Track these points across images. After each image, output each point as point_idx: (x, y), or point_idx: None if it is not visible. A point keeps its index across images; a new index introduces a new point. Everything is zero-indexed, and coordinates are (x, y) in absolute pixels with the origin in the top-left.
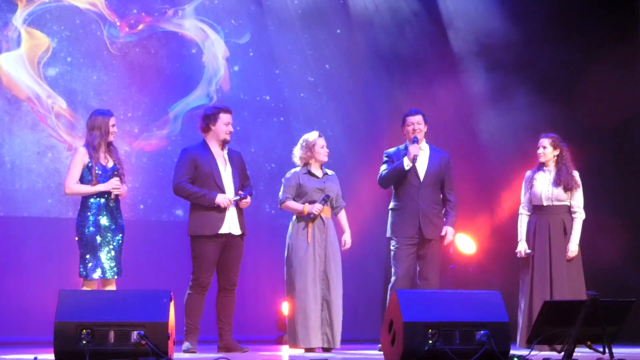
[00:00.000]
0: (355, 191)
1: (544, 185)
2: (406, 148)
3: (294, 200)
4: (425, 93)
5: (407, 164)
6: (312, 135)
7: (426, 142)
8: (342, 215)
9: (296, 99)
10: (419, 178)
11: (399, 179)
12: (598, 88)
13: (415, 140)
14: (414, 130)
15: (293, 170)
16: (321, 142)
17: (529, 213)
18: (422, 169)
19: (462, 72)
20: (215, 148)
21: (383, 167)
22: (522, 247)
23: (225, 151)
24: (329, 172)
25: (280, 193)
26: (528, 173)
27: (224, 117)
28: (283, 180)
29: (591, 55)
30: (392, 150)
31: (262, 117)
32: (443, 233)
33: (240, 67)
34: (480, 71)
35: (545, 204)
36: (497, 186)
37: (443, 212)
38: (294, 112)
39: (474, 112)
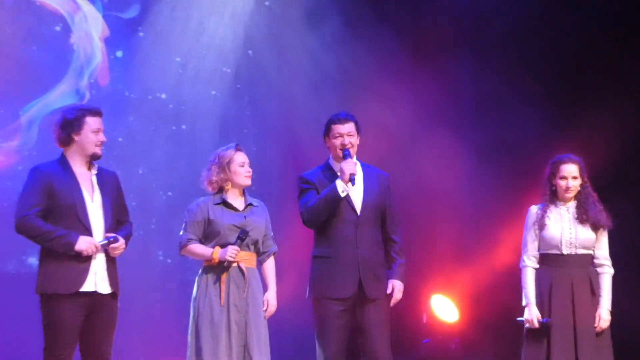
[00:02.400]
0: (293, 229)
1: (563, 225)
2: (327, 169)
3: (200, 242)
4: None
5: (341, 188)
6: (228, 150)
7: (357, 159)
8: (270, 265)
9: (206, 98)
10: (354, 211)
11: (331, 212)
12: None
13: (347, 155)
14: (343, 144)
15: (200, 200)
16: (240, 158)
17: (536, 266)
18: (357, 197)
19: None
20: (79, 167)
21: (304, 197)
22: (534, 314)
23: (94, 172)
24: (255, 202)
25: (181, 233)
26: (534, 209)
27: (92, 123)
28: (186, 213)
29: None
30: (308, 173)
31: (156, 125)
32: (389, 290)
33: (125, 53)
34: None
35: (565, 252)
36: (485, 228)
37: (385, 259)
38: (202, 117)
39: (435, 123)
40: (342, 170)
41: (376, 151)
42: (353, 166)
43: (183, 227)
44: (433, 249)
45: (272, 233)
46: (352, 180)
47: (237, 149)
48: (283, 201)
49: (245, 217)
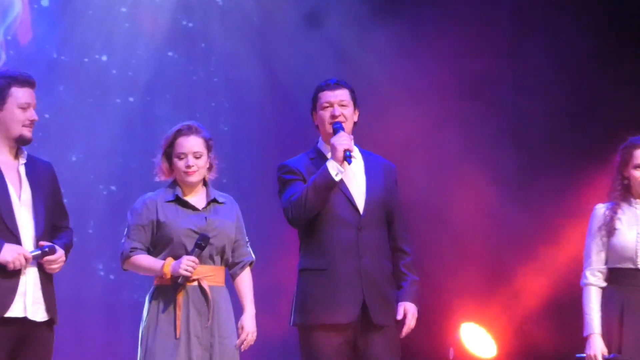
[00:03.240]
0: (282, 232)
1: None
2: (316, 154)
3: (148, 253)
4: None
5: (335, 170)
6: (170, 133)
7: (355, 145)
8: (245, 280)
9: (161, 61)
10: (356, 209)
11: (323, 205)
12: None
13: (338, 128)
14: (333, 115)
15: (147, 196)
16: (181, 146)
17: (603, 284)
18: (358, 190)
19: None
20: (1, 154)
21: (288, 190)
22: (598, 349)
23: (23, 161)
24: (221, 198)
25: (123, 240)
26: (600, 209)
27: (20, 95)
28: (129, 215)
29: None
30: (292, 160)
31: (95, 97)
32: (400, 316)
33: (53, 1)
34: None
35: None
36: (531, 237)
37: (393, 275)
38: (156, 86)
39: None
40: (333, 146)
41: (400, 150)
42: (348, 140)
43: (125, 232)
44: (463, 264)
45: (246, 238)
46: (347, 158)
47: (180, 132)
48: (266, 196)
49: (206, 217)
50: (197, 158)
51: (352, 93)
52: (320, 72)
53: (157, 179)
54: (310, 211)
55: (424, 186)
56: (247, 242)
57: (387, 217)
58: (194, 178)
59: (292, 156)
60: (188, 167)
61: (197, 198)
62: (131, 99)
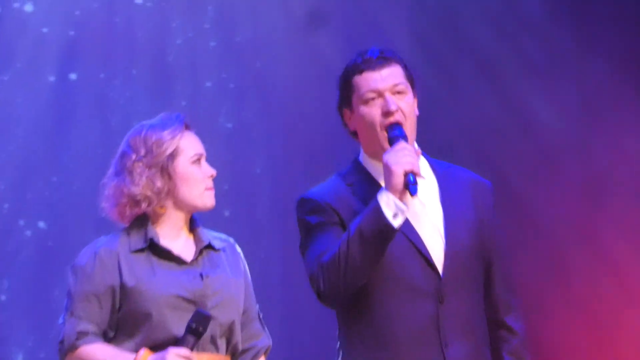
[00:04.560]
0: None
1: None
2: (359, 174)
3: (107, 339)
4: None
5: (391, 207)
6: (166, 130)
7: (422, 153)
8: None
9: (122, 15)
10: (431, 264)
11: (374, 265)
12: None
13: (397, 135)
14: (387, 112)
15: (100, 244)
16: (193, 146)
17: None
18: (433, 233)
19: None
20: None
21: (315, 242)
22: None
23: None
24: (218, 241)
25: (61, 319)
26: None
27: None
28: (70, 275)
29: None
30: (320, 190)
31: (13, 72)
32: None
33: None
34: None
35: None
36: None
37: None
38: (117, 56)
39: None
40: (387, 168)
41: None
42: (413, 155)
43: (65, 306)
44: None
45: (257, 307)
46: (411, 186)
47: (186, 127)
48: (285, 230)
49: (202, 275)
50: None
51: (407, 69)
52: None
53: (105, 215)
54: (353, 279)
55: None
56: (259, 314)
57: (484, 272)
58: (214, 200)
59: (319, 177)
60: (211, 176)
61: (182, 243)
62: (73, 76)
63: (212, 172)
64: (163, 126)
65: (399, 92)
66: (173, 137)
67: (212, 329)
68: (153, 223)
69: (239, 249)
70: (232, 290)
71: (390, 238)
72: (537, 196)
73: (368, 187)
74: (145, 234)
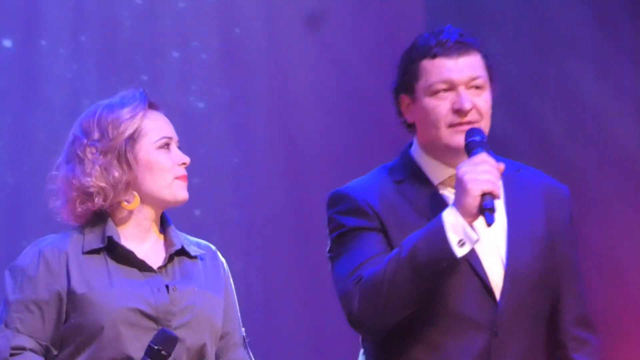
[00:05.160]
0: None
1: None
2: (410, 173)
3: (46, 355)
4: None
5: (459, 233)
6: (125, 108)
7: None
8: None
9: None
10: (488, 290)
11: (425, 297)
12: None
13: (477, 144)
14: (460, 110)
15: (46, 242)
16: (159, 127)
17: None
18: (492, 252)
19: None
20: None
21: (349, 253)
22: None
23: None
24: (193, 247)
25: None
26: None
27: None
28: (7, 278)
29: None
30: (358, 186)
31: None
32: None
33: None
34: None
35: None
36: None
37: None
38: (60, 20)
39: None
40: (462, 185)
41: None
42: (494, 173)
43: (0, 315)
44: None
45: (243, 330)
46: (487, 213)
47: (151, 105)
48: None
49: (168, 286)
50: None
51: (487, 59)
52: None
53: (56, 216)
54: (395, 309)
55: None
56: (243, 336)
57: (550, 301)
58: (185, 192)
59: (312, 168)
60: (183, 163)
61: (149, 246)
62: (7, 43)
63: (184, 159)
64: (122, 104)
65: (476, 87)
66: (133, 117)
67: (177, 353)
68: (114, 221)
69: (222, 259)
70: (205, 307)
71: (450, 270)
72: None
73: (419, 188)
74: (103, 232)
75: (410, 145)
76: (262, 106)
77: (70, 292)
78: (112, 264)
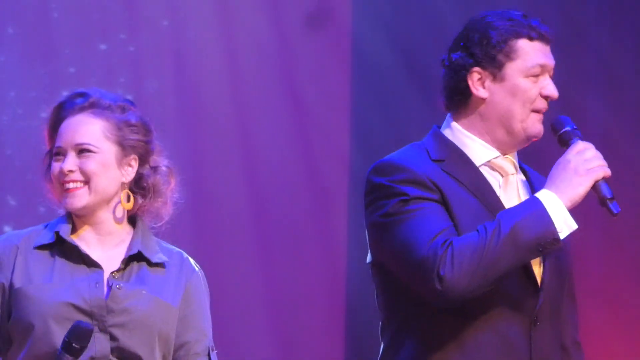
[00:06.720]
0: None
1: None
2: (451, 152)
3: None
4: None
5: (563, 221)
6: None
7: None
8: None
9: None
10: (532, 279)
11: (509, 273)
12: None
13: (576, 131)
14: (550, 96)
15: (6, 235)
16: (69, 128)
17: None
18: None
19: None
20: None
21: (422, 221)
22: None
23: None
24: (156, 256)
25: None
26: None
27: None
28: None
29: None
30: (410, 159)
31: None
32: None
33: None
34: None
35: None
36: None
37: None
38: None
39: None
40: (574, 173)
41: None
42: (602, 159)
43: None
44: None
45: (209, 341)
46: (608, 200)
47: (61, 109)
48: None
49: (114, 284)
50: (84, 157)
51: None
52: None
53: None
54: (495, 278)
55: None
56: (208, 347)
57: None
58: (76, 200)
59: (251, 167)
60: (63, 173)
61: (109, 245)
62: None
63: (72, 166)
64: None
65: (551, 78)
66: (52, 118)
67: (104, 349)
68: (72, 216)
69: (194, 268)
70: (151, 311)
71: (550, 250)
72: None
73: (463, 167)
74: (56, 228)
75: (439, 126)
76: (190, 98)
77: (11, 286)
78: (59, 259)
